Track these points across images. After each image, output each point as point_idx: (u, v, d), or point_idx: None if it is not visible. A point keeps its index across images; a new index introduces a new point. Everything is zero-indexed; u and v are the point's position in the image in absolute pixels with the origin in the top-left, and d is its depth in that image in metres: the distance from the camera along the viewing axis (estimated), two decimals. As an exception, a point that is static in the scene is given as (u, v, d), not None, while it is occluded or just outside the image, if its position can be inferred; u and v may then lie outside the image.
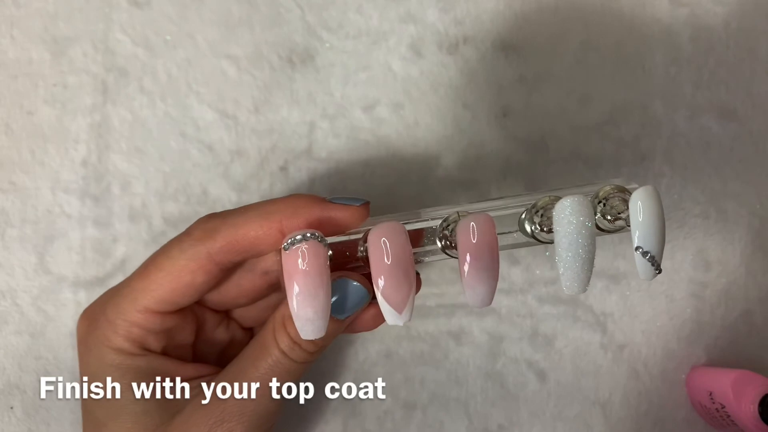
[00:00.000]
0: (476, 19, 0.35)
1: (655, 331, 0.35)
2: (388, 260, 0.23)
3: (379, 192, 0.35)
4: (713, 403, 0.33)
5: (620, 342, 0.35)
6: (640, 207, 0.23)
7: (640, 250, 0.23)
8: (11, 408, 0.33)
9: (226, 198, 0.34)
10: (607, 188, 0.25)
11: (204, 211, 0.34)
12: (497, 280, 0.24)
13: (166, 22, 0.35)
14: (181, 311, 0.27)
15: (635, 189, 0.24)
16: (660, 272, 0.24)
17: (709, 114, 0.36)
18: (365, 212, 0.25)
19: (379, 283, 0.23)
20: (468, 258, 0.24)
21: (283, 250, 0.23)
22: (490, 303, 0.24)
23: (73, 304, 0.34)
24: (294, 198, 0.25)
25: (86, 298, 0.33)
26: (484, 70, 0.35)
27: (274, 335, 0.25)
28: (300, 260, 0.23)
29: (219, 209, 0.34)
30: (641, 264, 0.23)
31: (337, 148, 0.35)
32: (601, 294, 0.35)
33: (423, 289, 0.34)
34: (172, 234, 0.27)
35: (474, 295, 0.24)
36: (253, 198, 0.34)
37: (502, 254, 0.24)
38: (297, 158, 0.35)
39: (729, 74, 0.36)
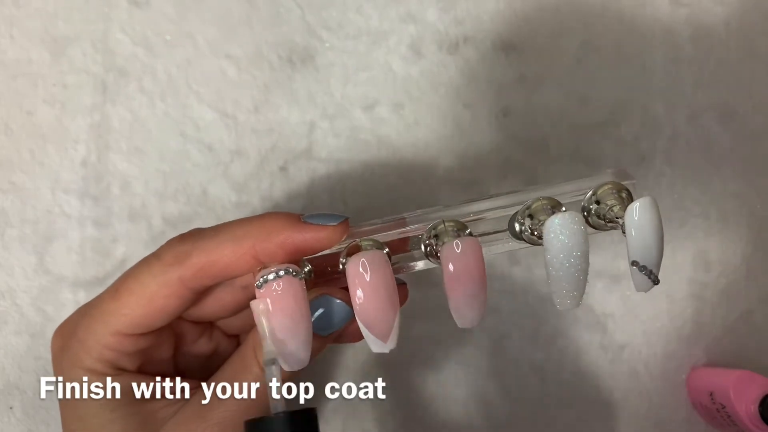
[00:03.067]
0: (476, 19, 0.35)
1: (655, 332, 0.35)
2: (369, 290, 0.22)
3: (379, 192, 0.35)
4: (714, 403, 0.33)
5: (621, 342, 0.35)
6: (636, 221, 0.21)
7: (637, 264, 0.22)
8: (11, 408, 0.33)
9: (226, 198, 0.34)
10: (606, 187, 0.24)
11: (204, 212, 0.34)
12: (485, 302, 0.23)
13: (166, 22, 0.35)
14: (156, 330, 0.26)
15: (632, 184, 0.24)
16: (657, 283, 0.22)
17: (709, 114, 0.36)
18: (343, 231, 0.24)
19: (361, 313, 0.22)
20: (454, 284, 0.23)
21: (256, 289, 0.22)
22: (478, 323, 0.24)
23: (73, 304, 0.33)
24: (267, 219, 0.24)
25: (86, 298, 0.33)
26: (484, 70, 0.35)
27: (254, 352, 0.25)
28: (274, 300, 0.22)
29: (219, 209, 0.34)
30: (637, 277, 0.22)
31: (337, 148, 0.35)
32: (602, 294, 0.35)
33: (423, 289, 0.34)
34: (172, 234, 0.26)
35: (462, 319, 0.24)
36: (253, 198, 0.34)
37: (501, 254, 0.24)
38: (297, 158, 0.35)
39: (729, 74, 0.36)
